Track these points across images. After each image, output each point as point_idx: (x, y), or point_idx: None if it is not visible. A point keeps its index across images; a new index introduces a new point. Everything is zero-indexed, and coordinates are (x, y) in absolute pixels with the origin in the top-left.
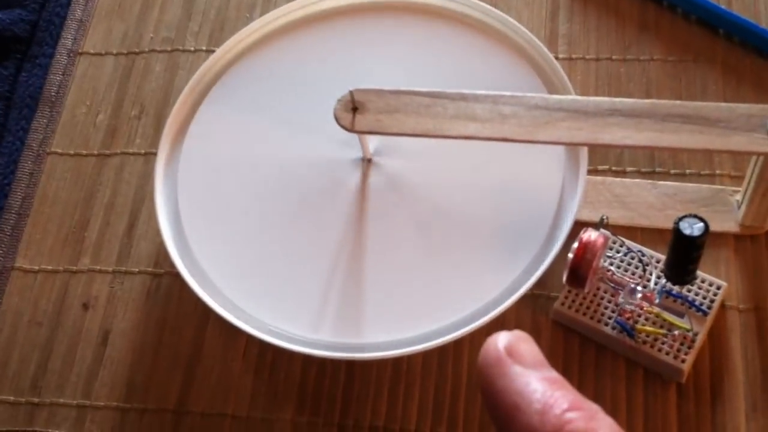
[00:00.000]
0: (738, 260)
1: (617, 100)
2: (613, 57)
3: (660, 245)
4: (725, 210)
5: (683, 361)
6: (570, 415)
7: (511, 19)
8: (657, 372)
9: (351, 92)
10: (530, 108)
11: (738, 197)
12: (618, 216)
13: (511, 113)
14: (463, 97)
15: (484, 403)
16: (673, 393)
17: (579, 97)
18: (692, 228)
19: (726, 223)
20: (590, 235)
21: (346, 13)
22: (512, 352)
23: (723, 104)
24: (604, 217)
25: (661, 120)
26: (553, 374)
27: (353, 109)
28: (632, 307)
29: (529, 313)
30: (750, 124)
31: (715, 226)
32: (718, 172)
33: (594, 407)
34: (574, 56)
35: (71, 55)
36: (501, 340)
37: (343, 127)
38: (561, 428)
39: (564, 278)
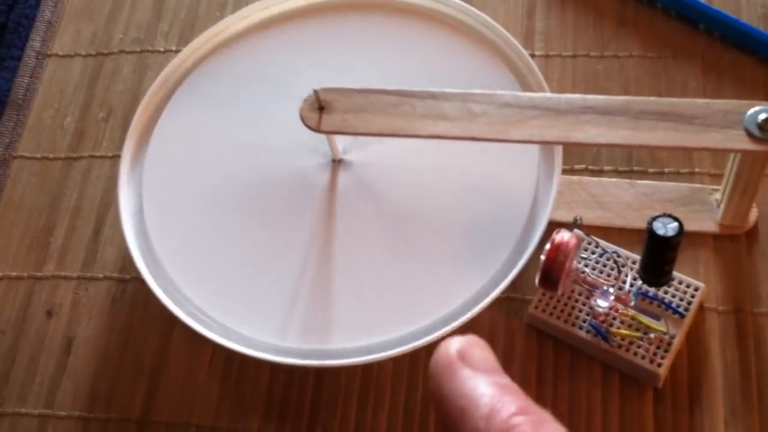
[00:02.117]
0: (717, 261)
1: (590, 97)
2: (591, 54)
3: (637, 246)
4: (704, 209)
5: (659, 365)
6: (517, 419)
7: (484, 16)
8: (633, 376)
9: (316, 91)
10: (501, 106)
11: (717, 196)
12: (594, 216)
13: (481, 112)
14: (432, 96)
15: (434, 409)
16: (650, 398)
17: (551, 95)
18: (666, 228)
19: (705, 222)
20: (563, 236)
21: (316, 11)
22: (464, 356)
23: (699, 101)
24: (578, 218)
25: (636, 117)
26: (505, 380)
27: (319, 109)
28: (604, 310)
29: (503, 316)
30: (727, 121)
31: (693, 226)
32: (697, 170)
33: (544, 414)
34: (551, 53)
35: (39, 57)
36: (453, 344)
37: (309, 127)
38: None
39: (536, 280)
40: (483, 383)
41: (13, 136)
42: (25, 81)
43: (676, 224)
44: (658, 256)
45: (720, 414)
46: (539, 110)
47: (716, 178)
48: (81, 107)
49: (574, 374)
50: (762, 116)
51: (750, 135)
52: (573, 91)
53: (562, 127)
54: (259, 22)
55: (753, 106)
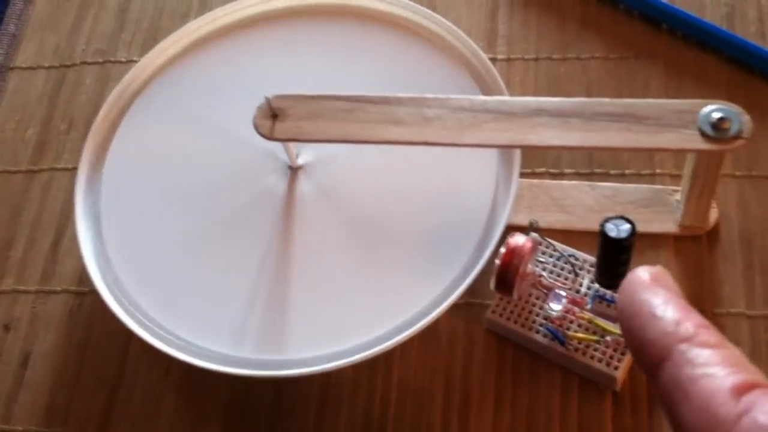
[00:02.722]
0: (679, 262)
1: (544, 99)
2: (553, 56)
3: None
4: (665, 210)
5: (616, 368)
6: (702, 329)
7: (443, 20)
8: (592, 380)
9: (267, 99)
10: (455, 110)
11: (678, 197)
12: (555, 220)
13: (435, 116)
14: (386, 101)
15: (619, 318)
16: (609, 402)
17: (505, 98)
18: (618, 230)
19: (666, 223)
20: (517, 240)
21: (274, 18)
22: (657, 278)
23: (653, 101)
24: (534, 221)
25: (589, 119)
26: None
27: (273, 117)
28: (558, 313)
29: (463, 322)
30: (681, 121)
31: (654, 227)
32: (658, 171)
33: (722, 336)
34: (513, 57)
35: (2, 70)
36: (646, 269)
37: (261, 135)
38: (693, 337)
39: (492, 285)
40: (674, 298)
41: None
42: None
43: (628, 226)
44: (612, 257)
45: None
46: (493, 114)
47: (677, 178)
48: (43, 119)
49: (533, 379)
50: (715, 115)
51: (704, 134)
52: (535, 95)
53: (516, 131)
54: (217, 30)
55: (707, 105)
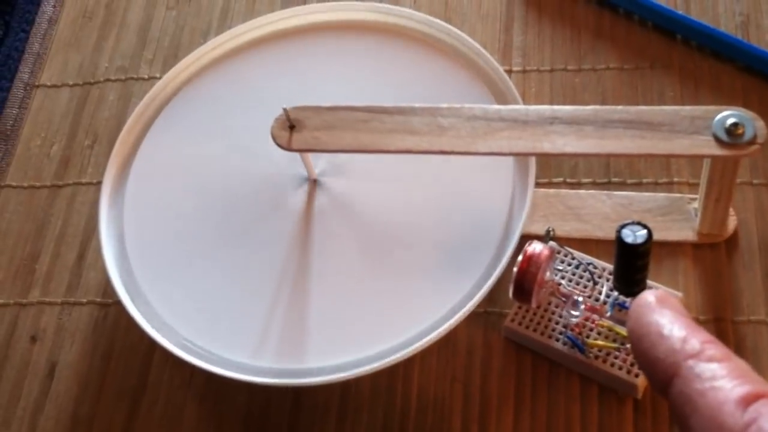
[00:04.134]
0: (697, 270)
1: (558, 107)
2: (568, 67)
3: None
4: (682, 218)
5: (636, 375)
6: (708, 345)
7: (460, 32)
8: (612, 388)
9: (285, 110)
10: (469, 119)
11: (695, 205)
12: (572, 228)
13: (450, 125)
14: (401, 111)
15: (630, 341)
16: (630, 409)
17: (519, 107)
18: (635, 236)
19: (683, 231)
20: (534, 247)
21: (293, 34)
22: (662, 301)
23: (667, 107)
24: (551, 229)
25: (603, 126)
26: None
27: (290, 128)
28: (576, 320)
29: (481, 331)
30: (694, 127)
31: (672, 236)
32: (675, 179)
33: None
34: (528, 68)
35: (27, 88)
36: (652, 292)
37: (279, 145)
38: (700, 353)
39: (510, 293)
40: (680, 317)
41: (1, 166)
42: (14, 112)
43: (644, 231)
44: (629, 264)
45: None
46: (507, 122)
47: (695, 187)
48: (67, 135)
49: (552, 387)
50: (730, 121)
51: (718, 140)
52: (551, 105)
53: (530, 138)
54: (236, 47)
55: (721, 111)
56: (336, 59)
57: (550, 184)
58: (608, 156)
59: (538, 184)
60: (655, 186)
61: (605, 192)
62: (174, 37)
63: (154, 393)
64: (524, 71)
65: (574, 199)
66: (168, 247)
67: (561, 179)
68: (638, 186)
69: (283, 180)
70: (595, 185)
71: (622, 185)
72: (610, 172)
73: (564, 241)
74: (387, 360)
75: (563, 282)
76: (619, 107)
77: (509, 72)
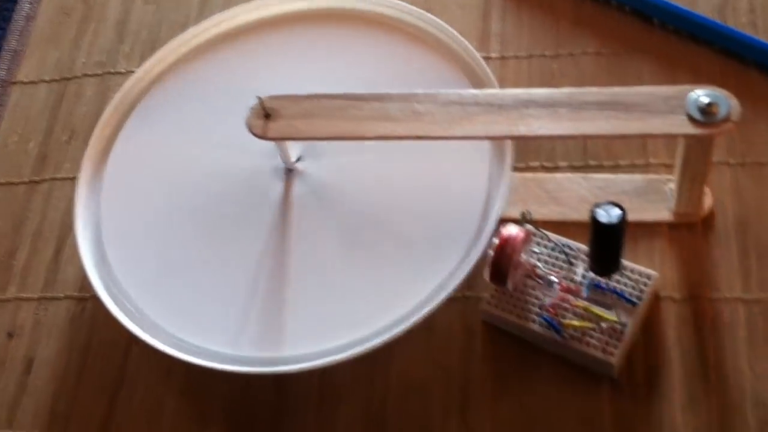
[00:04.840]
0: (673, 250)
1: (533, 91)
2: (546, 53)
3: None
4: (659, 199)
5: (612, 354)
6: None
7: (435, 19)
8: (589, 368)
9: (260, 99)
10: (445, 105)
11: (672, 185)
12: (549, 211)
13: (426, 111)
14: (378, 98)
15: None
16: (607, 389)
17: (494, 91)
18: (609, 215)
19: (660, 212)
20: (510, 230)
21: (271, 24)
22: None
23: (641, 88)
24: (527, 212)
25: (578, 108)
26: None
27: (266, 116)
28: (552, 301)
29: (460, 315)
30: (668, 107)
31: (649, 216)
32: (652, 161)
33: None
34: (506, 55)
35: (4, 85)
36: None
37: (254, 134)
38: None
39: (486, 276)
40: None
41: None
42: None
43: (619, 211)
44: (604, 244)
45: (678, 402)
46: (482, 107)
47: (671, 168)
48: (45, 131)
49: (531, 369)
50: (704, 100)
51: (692, 119)
52: None
53: (505, 122)
54: (213, 38)
55: (694, 90)
56: (314, 48)
57: (527, 168)
58: (583, 137)
59: (515, 169)
60: (632, 168)
61: (582, 175)
62: (152, 31)
63: (133, 386)
64: (502, 58)
65: (551, 183)
66: (145, 240)
67: (538, 163)
68: (615, 168)
69: (260, 170)
70: (572, 168)
71: (599, 168)
72: (587, 155)
73: (541, 224)
74: (366, 346)
75: (540, 264)
76: (594, 89)
77: (488, 59)
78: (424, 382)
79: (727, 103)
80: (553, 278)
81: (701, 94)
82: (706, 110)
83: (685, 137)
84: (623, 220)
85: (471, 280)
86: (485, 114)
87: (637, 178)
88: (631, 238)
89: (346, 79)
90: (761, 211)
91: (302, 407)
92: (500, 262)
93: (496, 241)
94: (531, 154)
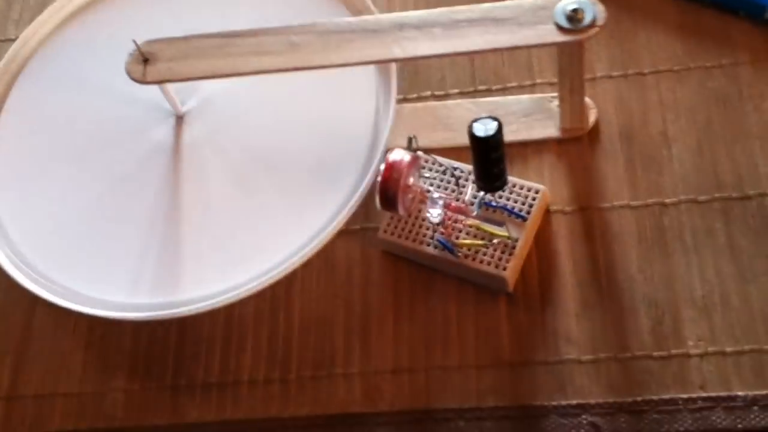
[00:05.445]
0: (562, 164)
1: (406, 13)
2: None
3: None
4: (546, 117)
5: (504, 268)
6: None
7: None
8: (485, 285)
9: (136, 44)
10: (321, 34)
11: (557, 102)
12: (441, 138)
13: (302, 42)
14: (254, 34)
15: None
16: (504, 304)
17: (369, 17)
18: (486, 128)
19: (547, 129)
20: (396, 155)
21: None
22: None
23: (511, 2)
24: (413, 137)
25: (451, 27)
26: None
27: (144, 61)
28: (438, 218)
29: (359, 247)
30: (537, 17)
31: (536, 134)
32: (538, 81)
33: None
34: None
35: None
36: None
37: (134, 79)
38: None
39: (377, 203)
40: None
41: None
42: None
43: (495, 123)
44: (485, 157)
45: (572, 309)
46: (358, 33)
47: (556, 86)
48: None
49: (430, 292)
50: (570, 8)
51: (560, 28)
52: None
53: (381, 46)
54: None
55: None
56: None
57: (418, 99)
58: (456, 55)
59: (406, 100)
60: (519, 89)
61: (471, 100)
62: None
63: (38, 345)
64: None
65: (442, 110)
66: (40, 199)
67: (429, 92)
68: (503, 91)
69: (150, 119)
70: (462, 95)
71: (488, 92)
72: (476, 81)
73: (435, 151)
74: (261, 280)
75: (432, 188)
76: (465, 7)
77: None
78: (326, 314)
79: (593, 9)
80: (435, 195)
81: (568, 2)
82: (573, 17)
83: (557, 46)
84: (499, 132)
85: (368, 212)
86: (361, 40)
87: (524, 98)
88: (521, 156)
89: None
90: (644, 121)
91: (207, 349)
92: (388, 187)
93: (382, 167)
94: (422, 84)
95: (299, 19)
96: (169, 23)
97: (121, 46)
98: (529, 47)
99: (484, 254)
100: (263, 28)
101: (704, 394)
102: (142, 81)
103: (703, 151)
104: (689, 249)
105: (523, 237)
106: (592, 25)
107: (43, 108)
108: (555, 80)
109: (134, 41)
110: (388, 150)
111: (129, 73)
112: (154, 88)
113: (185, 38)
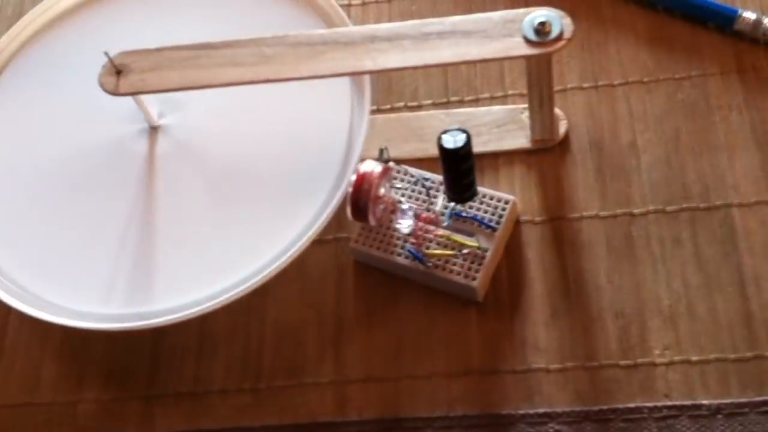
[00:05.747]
0: (533, 175)
1: (378, 26)
2: None
3: None
4: (517, 128)
5: (474, 279)
6: None
7: None
8: (455, 295)
9: (108, 56)
10: (293, 46)
11: (528, 114)
12: (414, 149)
13: (274, 54)
14: (227, 45)
15: None
16: (474, 313)
17: (341, 29)
18: (455, 140)
19: (518, 140)
20: (367, 165)
21: None
22: None
23: (481, 15)
24: (384, 149)
25: (421, 40)
26: None
27: (117, 73)
28: (408, 228)
29: (332, 257)
30: (506, 30)
31: (507, 145)
32: (510, 92)
33: None
34: (367, 1)
35: None
36: None
37: (107, 91)
38: None
39: (348, 213)
40: None
41: None
42: None
43: (463, 135)
44: (453, 168)
45: (541, 318)
46: (329, 45)
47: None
48: None
49: (401, 302)
50: (538, 20)
51: (527, 40)
52: None
53: (352, 58)
54: (71, 6)
55: (530, 12)
56: (173, 6)
57: (392, 110)
58: (426, 67)
59: (380, 111)
60: (491, 100)
61: (444, 111)
62: (15, 6)
63: (11, 355)
64: (363, 4)
65: (415, 121)
66: (12, 208)
67: (402, 103)
68: (476, 102)
69: (125, 130)
70: (435, 106)
71: (460, 103)
72: (448, 92)
73: (409, 162)
74: (235, 292)
75: (403, 199)
76: (435, 19)
77: (349, 6)
78: (299, 324)
79: (560, 21)
80: (405, 206)
81: (536, 16)
82: (540, 30)
83: (525, 59)
84: (468, 144)
85: (341, 222)
86: (332, 52)
87: (496, 109)
88: (492, 167)
89: (204, 29)
90: (614, 132)
91: (181, 359)
92: (359, 198)
93: (353, 177)
94: (395, 95)
95: (276, 30)
96: (145, 34)
97: (95, 57)
98: (497, 60)
99: (454, 264)
100: (236, 39)
101: (669, 403)
102: (115, 93)
103: (671, 161)
104: (657, 259)
105: (493, 247)
106: (559, 38)
107: (16, 115)
108: (526, 92)
109: (106, 53)
110: (359, 161)
111: (102, 85)
112: (128, 99)
113: (158, 50)
